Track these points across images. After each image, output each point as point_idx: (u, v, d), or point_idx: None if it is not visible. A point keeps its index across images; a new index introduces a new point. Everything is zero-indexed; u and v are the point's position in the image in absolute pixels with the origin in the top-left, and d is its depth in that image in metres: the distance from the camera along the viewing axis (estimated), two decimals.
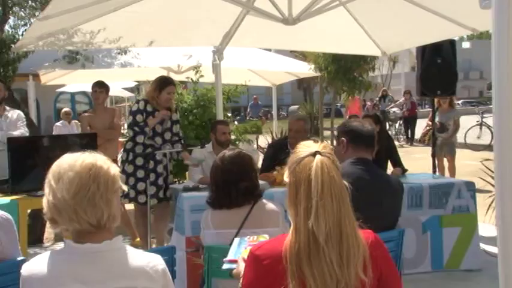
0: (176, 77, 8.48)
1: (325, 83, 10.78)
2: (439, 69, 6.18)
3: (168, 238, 5.34)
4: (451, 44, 6.30)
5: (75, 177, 1.69)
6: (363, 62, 9.79)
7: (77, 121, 12.33)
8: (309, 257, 1.78)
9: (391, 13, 5.46)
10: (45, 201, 1.72)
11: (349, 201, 1.87)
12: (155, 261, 1.78)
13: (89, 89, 14.11)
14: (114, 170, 1.77)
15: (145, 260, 1.76)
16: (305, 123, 5.38)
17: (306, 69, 10.06)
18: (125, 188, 1.81)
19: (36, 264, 1.70)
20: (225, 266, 2.27)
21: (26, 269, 1.70)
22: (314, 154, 1.85)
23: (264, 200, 2.96)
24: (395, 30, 5.90)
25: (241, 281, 1.97)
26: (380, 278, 1.93)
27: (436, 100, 7.89)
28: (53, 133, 11.38)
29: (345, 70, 9.57)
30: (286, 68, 9.44)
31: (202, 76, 6.80)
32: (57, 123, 12.38)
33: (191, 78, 6.97)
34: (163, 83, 5.29)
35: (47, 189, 1.73)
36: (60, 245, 6.30)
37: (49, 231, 6.96)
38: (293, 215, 1.86)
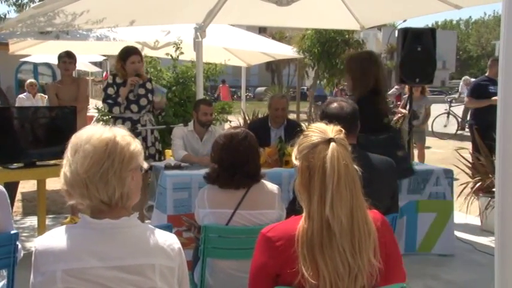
0: (152, 53, 8.34)
1: (309, 66, 10.75)
2: (418, 57, 6.21)
3: (146, 215, 5.28)
4: (432, 32, 6.35)
5: (90, 151, 1.64)
6: (347, 48, 9.81)
7: (42, 94, 11.82)
8: (321, 246, 1.79)
9: None
10: (62, 172, 1.67)
11: (360, 187, 1.88)
12: (172, 240, 1.76)
13: (53, 61, 13.68)
14: (134, 147, 1.71)
15: (162, 238, 1.73)
16: (287, 100, 5.62)
17: (283, 51, 9.99)
18: (145, 165, 1.76)
19: (51, 239, 1.64)
20: None
21: (41, 243, 1.64)
22: (328, 141, 1.84)
23: (262, 181, 2.93)
24: (375, 4, 5.91)
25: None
26: (388, 261, 1.95)
27: (407, 87, 7.96)
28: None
29: (329, 54, 9.58)
30: (263, 49, 9.37)
31: (182, 53, 6.69)
32: (21, 95, 11.69)
33: (171, 55, 6.84)
34: (126, 53, 5.27)
35: (64, 161, 1.68)
36: (30, 219, 6.17)
37: (17, 205, 6.79)
38: (306, 201, 1.86)
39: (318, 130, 1.91)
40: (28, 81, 11.75)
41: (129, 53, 5.27)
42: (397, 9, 5.88)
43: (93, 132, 1.68)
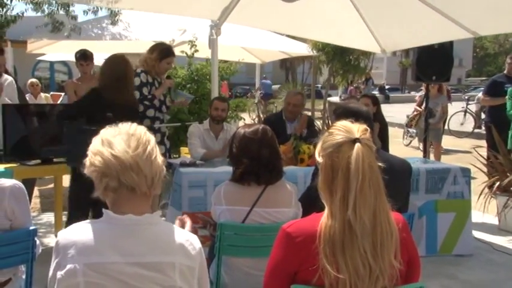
0: None
1: (323, 63, 10.71)
2: (435, 54, 6.17)
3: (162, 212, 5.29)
4: None
5: (130, 137, 1.69)
6: None
7: (46, 94, 11.53)
8: (342, 245, 1.77)
9: (397, 11, 5.44)
10: (99, 157, 1.64)
11: (384, 188, 1.85)
12: (193, 239, 1.75)
13: (69, 58, 13.71)
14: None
15: (183, 237, 1.73)
16: (302, 97, 5.59)
17: (299, 48, 9.96)
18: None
19: (74, 232, 1.65)
20: None
21: (64, 237, 1.64)
22: (354, 141, 1.80)
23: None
24: (398, 29, 5.90)
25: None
26: (408, 262, 1.94)
27: (424, 85, 7.90)
28: None
29: (342, 51, 9.53)
30: (279, 47, 9.33)
31: (197, 51, 6.69)
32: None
33: (186, 53, 6.85)
34: (166, 52, 5.11)
35: (98, 145, 1.67)
36: (47, 215, 6.22)
37: (35, 202, 6.86)
38: (327, 200, 1.84)
39: (343, 129, 1.86)
40: (29, 80, 10.53)
41: (169, 53, 5.13)
42: (420, 35, 5.86)
43: (123, 127, 1.72)
